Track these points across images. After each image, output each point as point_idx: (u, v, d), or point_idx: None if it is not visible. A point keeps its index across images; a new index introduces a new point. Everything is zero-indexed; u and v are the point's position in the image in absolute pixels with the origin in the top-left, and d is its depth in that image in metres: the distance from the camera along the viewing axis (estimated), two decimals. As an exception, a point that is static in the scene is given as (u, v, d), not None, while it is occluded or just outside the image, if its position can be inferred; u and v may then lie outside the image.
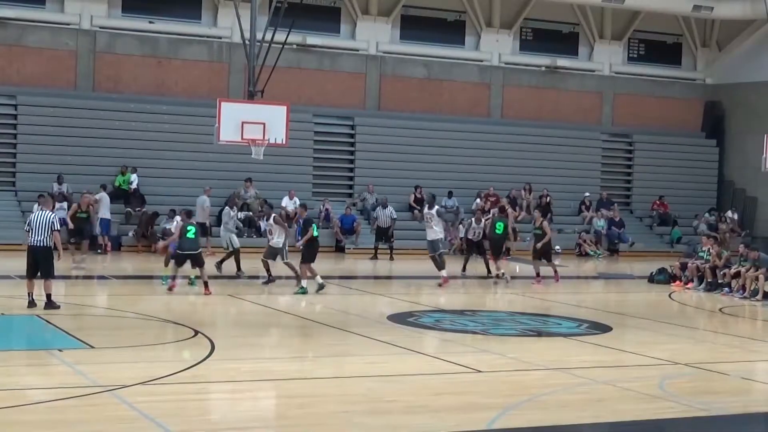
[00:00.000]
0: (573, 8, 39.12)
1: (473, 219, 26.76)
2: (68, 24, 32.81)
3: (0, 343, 14.48)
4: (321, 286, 20.51)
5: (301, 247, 21.30)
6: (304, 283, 20.57)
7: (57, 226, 17.14)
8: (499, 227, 25.66)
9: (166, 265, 21.13)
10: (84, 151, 31.70)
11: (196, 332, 15.01)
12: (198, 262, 20.29)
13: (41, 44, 32.48)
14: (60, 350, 13.24)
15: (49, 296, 16.86)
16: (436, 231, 23.45)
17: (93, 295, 21.11)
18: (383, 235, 31.26)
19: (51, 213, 17.35)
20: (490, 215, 32.93)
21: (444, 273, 23.18)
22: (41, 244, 16.83)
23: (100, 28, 33.14)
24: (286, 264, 21.59)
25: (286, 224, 22.53)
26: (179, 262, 20.28)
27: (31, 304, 16.76)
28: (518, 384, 12.37)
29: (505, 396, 11.59)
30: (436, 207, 24.42)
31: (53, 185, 30.02)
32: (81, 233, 25.68)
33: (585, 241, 35.20)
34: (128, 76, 33.41)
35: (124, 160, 31.65)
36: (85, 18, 32.89)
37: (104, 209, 29.11)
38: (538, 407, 11.08)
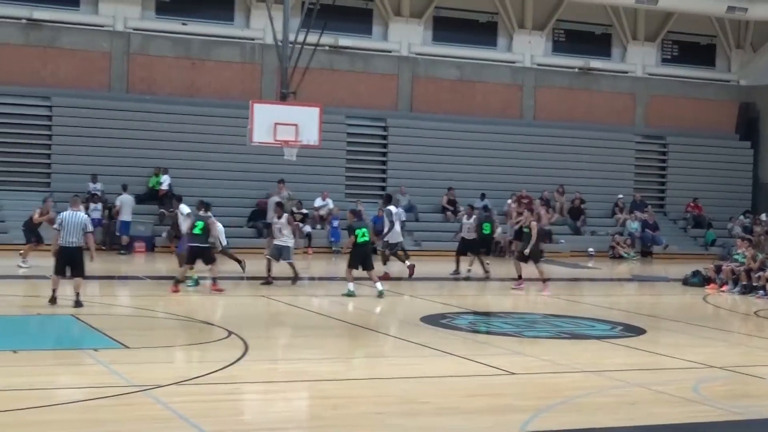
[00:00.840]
0: (606, 9, 38.94)
1: (464, 215, 26.15)
2: (102, 26, 33.02)
3: (36, 342, 14.60)
4: (350, 293, 20.44)
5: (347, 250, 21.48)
6: (351, 286, 20.55)
7: (90, 227, 17.28)
8: (486, 227, 25.70)
9: (181, 265, 21.18)
10: (117, 152, 31.88)
11: (230, 333, 15.05)
12: (207, 258, 20.41)
13: (75, 46, 32.71)
14: (95, 350, 13.31)
15: (78, 295, 16.94)
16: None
17: (127, 296, 21.23)
18: None
19: (83, 214, 17.48)
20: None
21: (386, 269, 24.03)
22: (74, 245, 16.95)
23: (134, 29, 33.33)
24: (288, 263, 21.73)
25: (297, 226, 22.92)
26: (190, 259, 20.35)
27: (53, 300, 16.85)
28: (552, 386, 12.32)
29: (539, 398, 11.54)
30: (388, 206, 24.98)
31: (88, 184, 30.33)
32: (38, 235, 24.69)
33: (618, 244, 35.04)
34: (161, 78, 33.58)
35: (157, 161, 31.83)
36: (119, 20, 33.09)
37: (126, 211, 29.29)
38: (572, 409, 11.03)
